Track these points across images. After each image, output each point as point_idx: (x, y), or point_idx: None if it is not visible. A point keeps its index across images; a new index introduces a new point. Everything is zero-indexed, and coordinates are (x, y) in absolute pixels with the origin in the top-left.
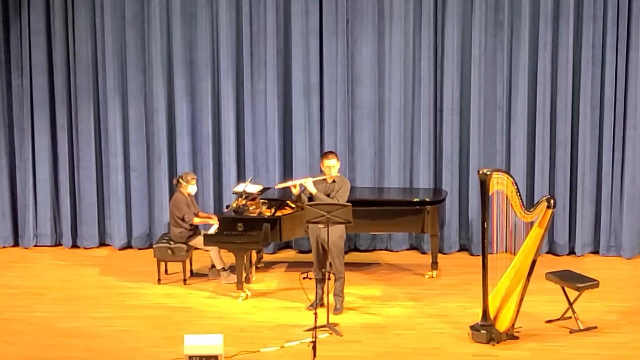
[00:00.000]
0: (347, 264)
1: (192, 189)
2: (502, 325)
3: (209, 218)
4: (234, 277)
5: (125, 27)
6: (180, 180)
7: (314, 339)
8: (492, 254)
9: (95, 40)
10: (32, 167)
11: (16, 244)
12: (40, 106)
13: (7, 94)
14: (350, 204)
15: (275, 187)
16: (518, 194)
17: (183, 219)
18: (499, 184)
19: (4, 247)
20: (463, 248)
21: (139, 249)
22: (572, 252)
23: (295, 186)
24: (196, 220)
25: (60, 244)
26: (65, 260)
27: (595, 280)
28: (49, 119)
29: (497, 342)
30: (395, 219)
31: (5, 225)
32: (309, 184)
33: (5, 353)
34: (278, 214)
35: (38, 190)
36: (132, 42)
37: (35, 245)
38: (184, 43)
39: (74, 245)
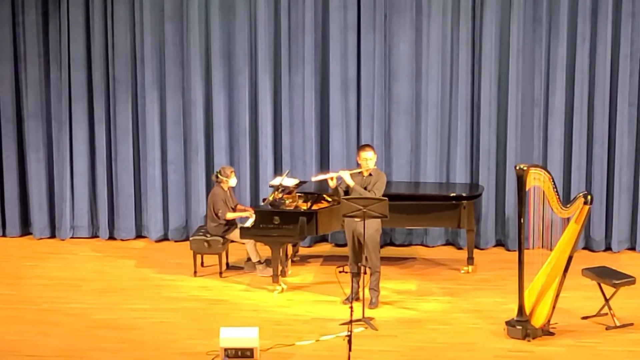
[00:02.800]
0: (382, 259)
1: (232, 181)
2: (537, 321)
3: (245, 210)
4: (269, 271)
5: (164, 21)
6: (219, 175)
7: (349, 333)
8: (528, 249)
9: (134, 33)
10: (69, 159)
11: (53, 235)
12: (78, 99)
13: (45, 86)
14: (386, 198)
15: (312, 179)
16: (555, 189)
17: (217, 215)
18: (536, 179)
19: (41, 238)
20: (499, 243)
21: (176, 241)
22: (608, 248)
23: (332, 179)
24: (229, 216)
25: (97, 236)
26: (102, 252)
27: (631, 276)
28: (87, 112)
29: (533, 338)
30: (432, 213)
31: (43, 217)
32: (347, 176)
33: (43, 343)
34: (314, 207)
35: (75, 182)
36: (170, 35)
37: (72, 237)
38: (222, 37)
39: (111, 237)
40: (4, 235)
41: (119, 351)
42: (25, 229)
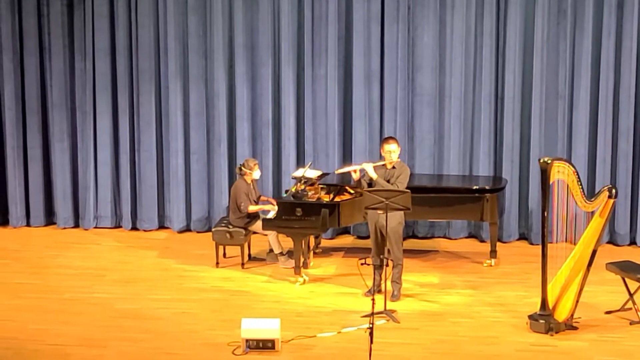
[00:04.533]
0: (405, 251)
1: (256, 174)
2: (561, 315)
3: (268, 202)
4: (291, 262)
5: (188, 12)
6: (242, 167)
7: (371, 325)
8: (551, 243)
9: (157, 24)
10: (93, 149)
11: (77, 225)
12: (102, 89)
13: (70, 77)
14: (409, 190)
15: (335, 172)
16: (579, 183)
17: (239, 208)
18: (560, 172)
19: (65, 228)
20: (522, 237)
21: (198, 232)
22: (633, 242)
23: (355, 171)
24: (251, 209)
25: (120, 226)
26: (125, 242)
27: None
28: (110, 102)
29: (556, 332)
30: (455, 206)
31: (66, 207)
32: (370, 168)
33: (65, 333)
34: (337, 199)
35: (99, 172)
36: (194, 27)
37: (96, 227)
38: (245, 28)
39: (134, 228)
40: (28, 224)
41: (141, 341)
42: (50, 218)
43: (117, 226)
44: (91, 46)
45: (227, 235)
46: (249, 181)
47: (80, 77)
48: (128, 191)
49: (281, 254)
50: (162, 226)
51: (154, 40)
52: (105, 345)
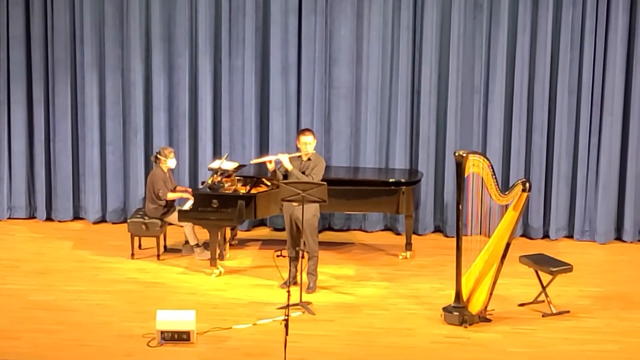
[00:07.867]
0: (321, 243)
1: (171, 162)
2: (474, 307)
3: (185, 191)
4: (207, 254)
5: (104, 1)
6: (158, 155)
7: (286, 317)
8: (466, 236)
9: (73, 13)
10: (7, 139)
11: None
12: (17, 79)
13: None
14: (325, 182)
15: (251, 162)
16: (494, 176)
17: (158, 196)
18: (475, 166)
19: None
20: (437, 229)
21: (113, 223)
22: (546, 235)
23: (270, 162)
24: (170, 196)
25: (35, 217)
26: (39, 233)
27: (568, 264)
28: (25, 92)
29: (470, 324)
30: (371, 199)
31: None
32: (285, 159)
33: None
34: (253, 191)
35: (13, 162)
36: (110, 16)
37: (9, 218)
38: (162, 18)
39: (48, 218)
40: None
41: (55, 332)
42: None
43: (32, 217)
44: (5, 34)
45: (143, 226)
46: (165, 169)
47: None
48: (43, 182)
49: (197, 245)
50: (77, 217)
51: (69, 29)
52: (19, 336)
